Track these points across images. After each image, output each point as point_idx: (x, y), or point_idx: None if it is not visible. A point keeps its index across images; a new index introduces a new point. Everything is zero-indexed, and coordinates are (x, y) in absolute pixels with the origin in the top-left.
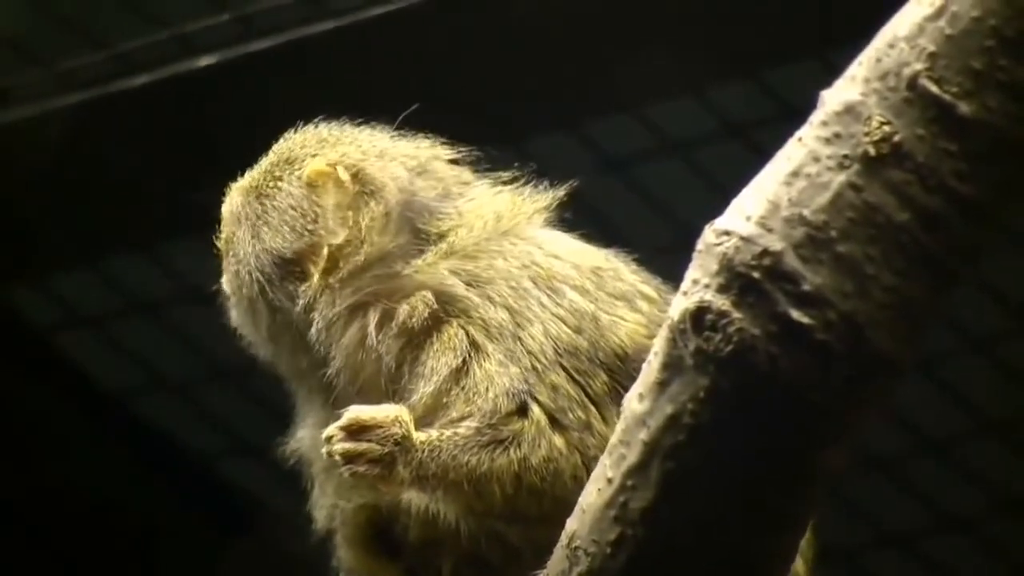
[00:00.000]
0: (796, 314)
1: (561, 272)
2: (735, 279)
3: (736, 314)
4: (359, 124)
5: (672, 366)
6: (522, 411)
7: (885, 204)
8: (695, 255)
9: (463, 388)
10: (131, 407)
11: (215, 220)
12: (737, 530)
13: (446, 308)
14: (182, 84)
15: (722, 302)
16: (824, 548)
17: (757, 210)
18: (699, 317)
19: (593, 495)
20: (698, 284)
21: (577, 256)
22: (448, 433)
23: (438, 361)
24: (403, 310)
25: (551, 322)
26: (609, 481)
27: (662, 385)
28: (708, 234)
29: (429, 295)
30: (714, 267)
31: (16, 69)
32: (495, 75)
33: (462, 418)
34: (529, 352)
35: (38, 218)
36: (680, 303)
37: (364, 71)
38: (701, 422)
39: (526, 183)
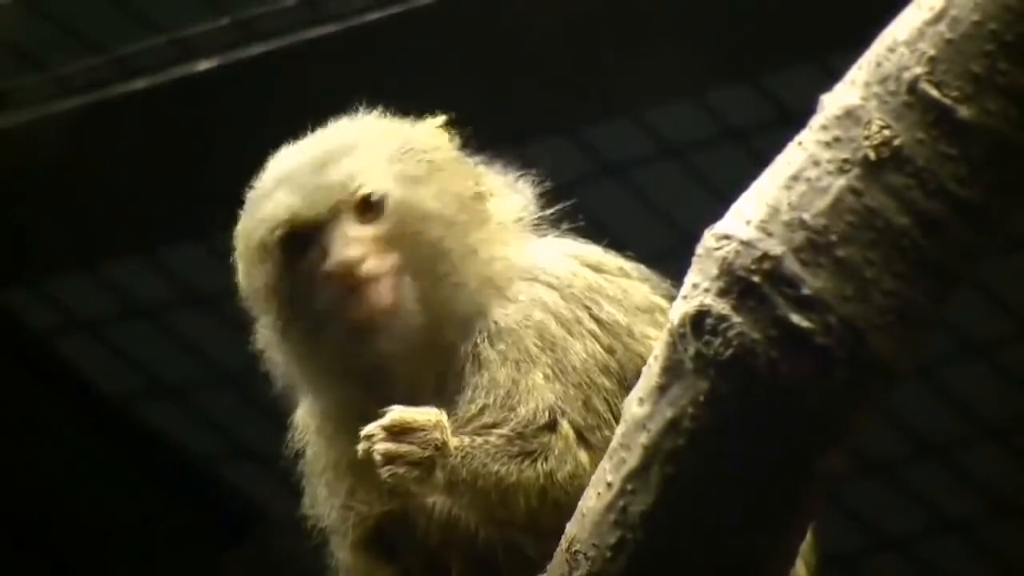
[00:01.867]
0: (796, 318)
1: (596, 282)
2: (735, 283)
3: (736, 318)
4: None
5: (672, 370)
6: (552, 426)
7: (885, 208)
8: (695, 259)
9: (507, 395)
10: (130, 411)
11: (214, 223)
12: (737, 534)
13: (507, 317)
14: (181, 88)
15: (722, 306)
16: (823, 552)
17: (757, 214)
18: (699, 321)
19: (593, 499)
20: (698, 288)
21: (602, 260)
22: (479, 440)
23: (498, 371)
24: (468, 317)
25: (589, 338)
26: (609, 485)
27: (662, 389)
28: (708, 238)
29: (493, 304)
30: (714, 271)
31: (15, 73)
32: (494, 79)
33: (495, 424)
34: (573, 368)
35: (37, 222)
36: (680, 307)
37: (363, 75)
38: (701, 426)
39: (530, 187)
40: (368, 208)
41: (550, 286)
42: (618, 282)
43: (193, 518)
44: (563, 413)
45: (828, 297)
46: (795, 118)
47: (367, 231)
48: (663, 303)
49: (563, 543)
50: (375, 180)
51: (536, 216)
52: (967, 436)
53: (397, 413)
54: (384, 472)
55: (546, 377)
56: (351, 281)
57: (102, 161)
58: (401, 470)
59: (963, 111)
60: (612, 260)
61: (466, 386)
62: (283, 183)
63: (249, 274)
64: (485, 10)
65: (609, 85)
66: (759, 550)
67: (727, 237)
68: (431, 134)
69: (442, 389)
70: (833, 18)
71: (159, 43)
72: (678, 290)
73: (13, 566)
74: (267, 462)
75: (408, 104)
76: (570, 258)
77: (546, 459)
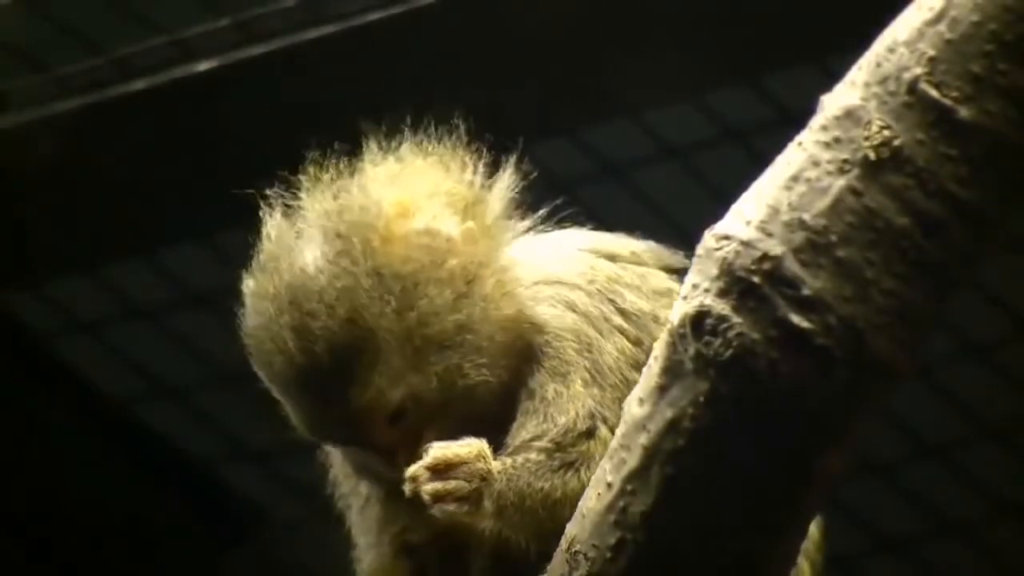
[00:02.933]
0: (796, 319)
1: (614, 273)
2: (735, 283)
3: (736, 319)
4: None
5: (672, 370)
6: (590, 432)
7: (885, 209)
8: (695, 260)
9: (548, 406)
10: (130, 412)
11: (214, 223)
12: (737, 534)
13: (539, 331)
14: (181, 89)
15: (722, 307)
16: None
17: (757, 215)
18: (699, 321)
19: (593, 499)
20: (698, 289)
21: (614, 246)
22: (520, 460)
23: (547, 388)
24: (508, 334)
25: (618, 334)
26: (609, 486)
27: (662, 389)
28: (708, 239)
29: (530, 316)
30: (714, 271)
31: (15, 73)
32: (494, 80)
33: (534, 438)
34: (608, 369)
35: (36, 223)
36: (680, 307)
37: (363, 76)
38: (701, 426)
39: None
40: (392, 418)
41: (575, 286)
42: (634, 269)
43: (193, 518)
44: (603, 418)
45: (828, 297)
46: (795, 118)
47: (395, 431)
48: (679, 287)
49: (563, 543)
50: (389, 396)
51: (537, 215)
52: (967, 436)
53: (438, 451)
54: (435, 511)
55: (584, 382)
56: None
57: (102, 161)
58: (451, 507)
59: (963, 111)
60: (624, 246)
61: (516, 403)
62: (291, 391)
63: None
64: (485, 10)
65: (609, 85)
66: (759, 550)
67: (727, 237)
68: (399, 252)
69: (491, 416)
70: (833, 19)
71: (159, 43)
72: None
73: (13, 566)
74: (267, 462)
75: (408, 106)
76: (584, 252)
77: (588, 467)
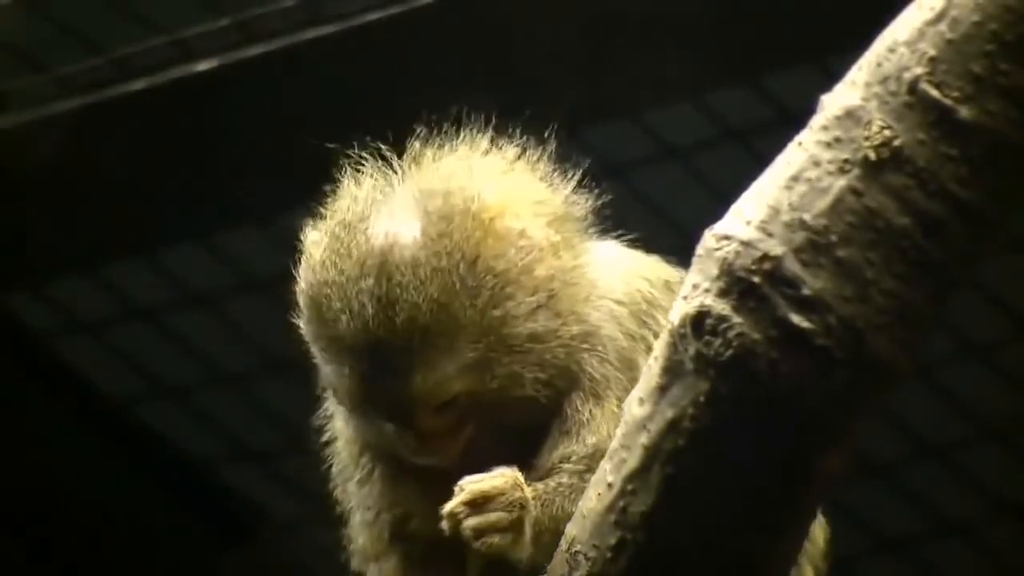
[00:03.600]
0: (796, 319)
1: (650, 295)
2: (735, 283)
3: (736, 319)
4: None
5: (672, 370)
6: None
7: (885, 209)
8: (695, 260)
9: (581, 427)
10: (130, 412)
11: (214, 223)
12: (737, 534)
13: (597, 349)
14: (181, 89)
15: (722, 307)
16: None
17: (757, 215)
18: (699, 321)
19: (593, 500)
20: (698, 289)
21: (648, 269)
22: (553, 484)
23: (583, 409)
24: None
25: (646, 356)
26: (609, 486)
27: (662, 389)
28: (708, 239)
29: (591, 336)
30: (714, 271)
31: (15, 73)
32: (494, 80)
33: (564, 459)
34: None
35: (36, 224)
36: (680, 307)
37: (363, 76)
38: (701, 426)
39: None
40: (446, 406)
41: (620, 303)
42: (665, 290)
43: (193, 518)
44: None
45: (828, 298)
46: (795, 118)
47: (444, 419)
48: None
49: (563, 544)
50: (451, 383)
51: (590, 217)
52: (967, 436)
53: (474, 485)
54: (479, 546)
55: (619, 400)
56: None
57: (102, 161)
58: (495, 539)
59: (964, 112)
60: (660, 272)
61: (552, 431)
62: (352, 356)
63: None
64: (485, 10)
65: (609, 85)
66: (759, 550)
67: (727, 237)
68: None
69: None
70: (833, 18)
71: (159, 43)
72: None
73: (13, 566)
74: (267, 462)
75: (408, 106)
76: (629, 269)
77: None
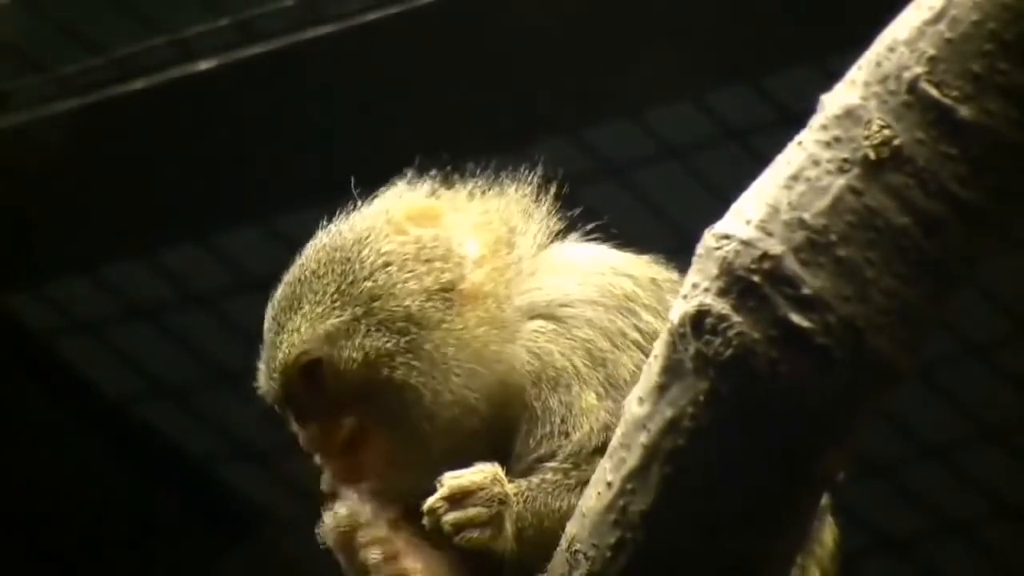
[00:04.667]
0: (796, 318)
1: (630, 290)
2: (735, 283)
3: (736, 318)
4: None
5: (672, 370)
6: (603, 448)
7: (885, 208)
8: (695, 259)
9: (562, 421)
10: (130, 411)
11: (213, 223)
12: (736, 534)
13: (551, 341)
14: (181, 89)
15: (722, 306)
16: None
17: (757, 214)
18: (699, 321)
19: (593, 499)
20: (698, 288)
21: (633, 268)
22: (536, 481)
23: (551, 400)
24: (515, 353)
25: (635, 349)
26: (609, 485)
27: (662, 389)
28: (708, 238)
29: (535, 334)
30: (714, 271)
31: (15, 73)
32: (494, 80)
33: (548, 456)
34: (624, 382)
35: (37, 223)
36: (680, 307)
37: (363, 75)
38: (700, 426)
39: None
40: (311, 378)
41: (592, 302)
42: (650, 291)
43: (193, 518)
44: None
45: (828, 297)
46: (795, 118)
47: (318, 402)
48: None
49: (563, 543)
50: (309, 347)
51: (557, 226)
52: (967, 436)
53: (453, 481)
54: (458, 540)
55: (598, 396)
56: (325, 455)
57: (102, 161)
58: (474, 534)
59: (963, 111)
60: (642, 270)
61: (521, 427)
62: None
63: None
64: (485, 10)
65: (609, 85)
66: (758, 550)
67: (727, 237)
68: (387, 236)
69: (493, 440)
70: (833, 18)
71: (159, 43)
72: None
73: (13, 566)
74: (267, 462)
75: (408, 106)
76: (604, 267)
77: None
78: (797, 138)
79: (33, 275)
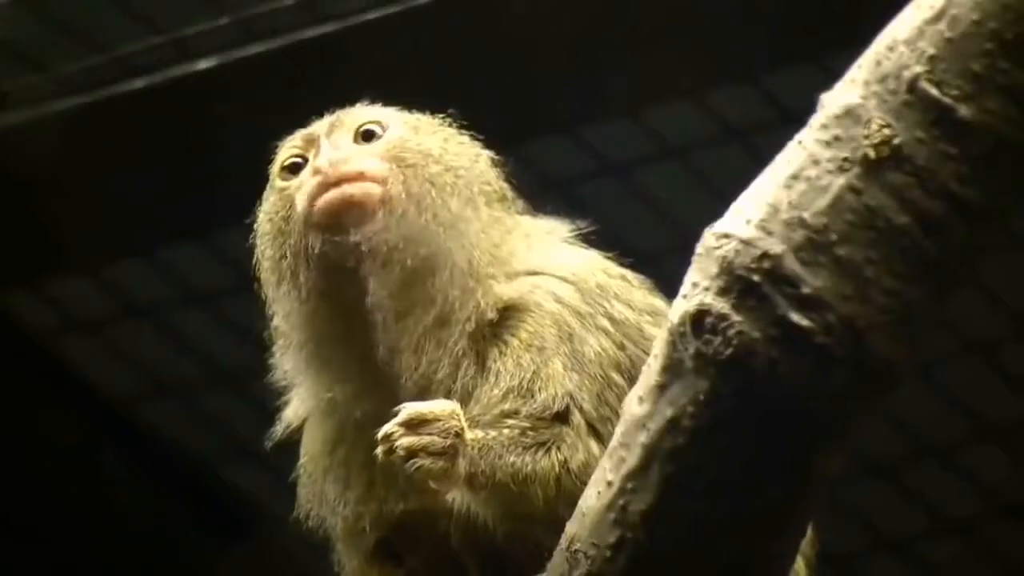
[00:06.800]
0: (796, 317)
1: (605, 282)
2: (735, 282)
3: (736, 317)
4: None
5: (672, 369)
6: (564, 416)
7: (885, 207)
8: (695, 258)
9: (530, 380)
10: (131, 411)
11: (214, 223)
12: (736, 533)
13: (520, 309)
14: (181, 88)
15: (722, 305)
16: (822, 552)
17: (757, 213)
18: (699, 320)
19: (593, 498)
20: (698, 287)
21: (607, 264)
22: (494, 433)
23: (523, 355)
24: (479, 309)
25: (602, 334)
26: (609, 484)
27: (662, 388)
28: (708, 237)
29: (504, 297)
30: (714, 270)
31: (15, 73)
32: (494, 79)
33: (513, 412)
34: (589, 360)
35: (37, 223)
36: (680, 306)
37: (362, 75)
38: (700, 425)
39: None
40: (369, 135)
41: (565, 280)
42: (622, 284)
43: (193, 517)
44: (579, 406)
45: (828, 296)
46: (795, 118)
47: (363, 147)
48: (663, 306)
49: (563, 542)
50: (381, 117)
51: (564, 234)
52: (967, 436)
53: (412, 408)
54: (408, 467)
55: (564, 367)
56: (332, 176)
57: (102, 161)
58: (426, 461)
59: (963, 110)
60: (615, 267)
61: (488, 371)
62: None
63: (262, 250)
64: (485, 10)
65: (609, 85)
66: (758, 549)
67: (727, 236)
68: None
69: (451, 384)
70: (833, 18)
71: (159, 43)
72: (677, 291)
73: (13, 565)
74: (266, 461)
75: (407, 105)
76: (583, 258)
77: (559, 448)
78: (797, 137)
79: (32, 274)
